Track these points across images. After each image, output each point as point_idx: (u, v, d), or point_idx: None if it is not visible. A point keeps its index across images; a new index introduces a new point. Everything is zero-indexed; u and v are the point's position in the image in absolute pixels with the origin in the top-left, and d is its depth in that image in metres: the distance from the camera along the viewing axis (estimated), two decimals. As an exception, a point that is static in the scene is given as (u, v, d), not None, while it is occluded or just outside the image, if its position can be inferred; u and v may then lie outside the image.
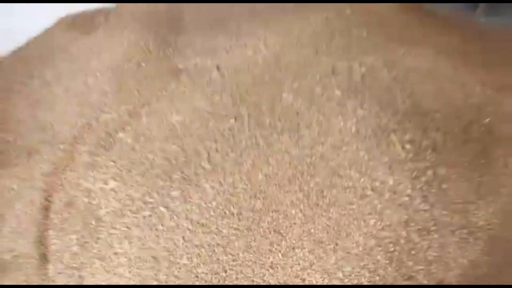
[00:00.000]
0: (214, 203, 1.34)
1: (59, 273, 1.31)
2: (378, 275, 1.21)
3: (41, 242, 1.38)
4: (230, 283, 1.23)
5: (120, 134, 1.55)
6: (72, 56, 1.83)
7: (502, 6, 2.36)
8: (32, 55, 1.89)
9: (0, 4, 1.95)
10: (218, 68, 1.70)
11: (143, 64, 1.73)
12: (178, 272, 1.24)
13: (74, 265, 1.31)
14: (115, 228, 1.34)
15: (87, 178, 1.46)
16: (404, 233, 1.27)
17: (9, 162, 1.58)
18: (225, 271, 1.24)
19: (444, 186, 1.38)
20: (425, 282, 1.23)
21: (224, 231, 1.29)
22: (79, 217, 1.39)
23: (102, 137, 1.55)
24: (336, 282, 1.20)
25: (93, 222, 1.37)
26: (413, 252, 1.25)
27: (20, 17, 1.98)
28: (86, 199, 1.42)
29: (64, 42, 1.89)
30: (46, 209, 1.43)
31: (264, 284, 1.22)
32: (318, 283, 1.20)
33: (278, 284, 1.22)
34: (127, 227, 1.33)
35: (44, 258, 1.35)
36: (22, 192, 1.49)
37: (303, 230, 1.28)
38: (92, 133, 1.57)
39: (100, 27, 1.96)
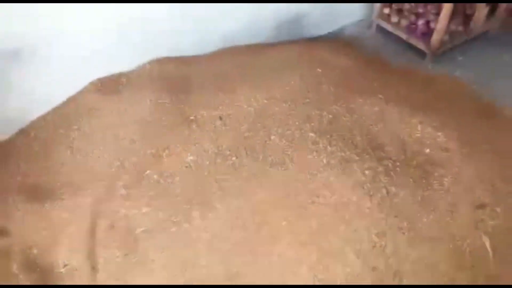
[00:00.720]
0: (225, 219, 1.73)
1: (107, 278, 1.66)
2: (349, 266, 1.60)
3: (91, 256, 1.73)
4: (240, 279, 1.60)
5: (148, 172, 1.96)
6: (104, 112, 2.24)
7: (446, 55, 2.90)
8: (70, 112, 2.29)
9: (40, 72, 2.27)
10: (220, 118, 2.14)
11: (162, 117, 2.16)
12: (200, 271, 1.62)
13: (119, 272, 1.67)
14: (149, 242, 1.72)
15: (124, 206, 1.85)
16: (366, 236, 1.66)
17: (58, 197, 1.94)
18: (235, 269, 1.62)
19: (395, 200, 1.78)
20: (384, 272, 1.62)
21: (234, 239, 1.68)
22: (120, 235, 1.76)
23: (133, 175, 1.96)
24: (317, 274, 1.59)
25: (132, 239, 1.74)
26: (374, 249, 1.63)
27: (58, 82, 2.29)
28: (124, 222, 1.80)
29: (96, 101, 2.30)
30: (92, 231, 1.80)
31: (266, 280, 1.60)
32: (304, 274, 1.59)
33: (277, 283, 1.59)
34: (159, 240, 1.71)
35: (94, 269, 1.69)
36: (71, 219, 1.84)
37: (292, 236, 1.66)
38: (125, 172, 1.97)
39: (123, 88, 2.39)
